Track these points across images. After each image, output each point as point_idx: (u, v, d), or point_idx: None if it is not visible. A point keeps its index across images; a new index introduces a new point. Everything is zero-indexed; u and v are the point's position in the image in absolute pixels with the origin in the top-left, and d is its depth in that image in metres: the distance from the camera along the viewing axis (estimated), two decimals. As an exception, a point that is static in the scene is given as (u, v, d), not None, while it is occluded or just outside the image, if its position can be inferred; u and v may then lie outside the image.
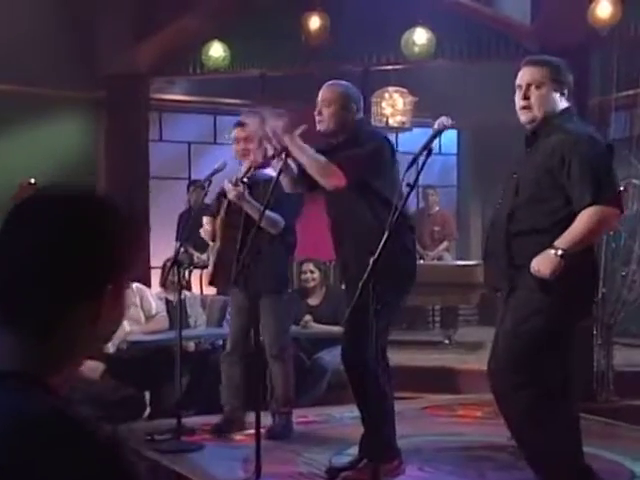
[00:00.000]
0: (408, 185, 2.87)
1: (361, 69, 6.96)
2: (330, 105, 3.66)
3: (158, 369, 5.34)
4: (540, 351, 2.95)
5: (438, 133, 2.96)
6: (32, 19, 6.80)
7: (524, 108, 3.05)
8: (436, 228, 8.53)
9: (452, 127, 3.01)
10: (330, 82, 3.75)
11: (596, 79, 6.23)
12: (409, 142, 8.24)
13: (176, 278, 4.20)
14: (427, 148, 2.89)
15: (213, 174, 4.40)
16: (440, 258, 8.43)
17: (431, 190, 8.72)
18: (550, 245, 2.85)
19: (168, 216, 7.71)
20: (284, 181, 3.74)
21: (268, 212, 3.91)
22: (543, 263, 2.84)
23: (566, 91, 3.07)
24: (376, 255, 2.79)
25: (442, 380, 6.02)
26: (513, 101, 7.76)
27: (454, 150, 9.94)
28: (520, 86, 3.09)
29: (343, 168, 3.50)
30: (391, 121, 7.84)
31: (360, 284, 2.76)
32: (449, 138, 9.55)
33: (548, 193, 2.94)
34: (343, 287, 4.01)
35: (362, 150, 3.57)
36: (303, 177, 3.67)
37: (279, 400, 4.39)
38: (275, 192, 3.71)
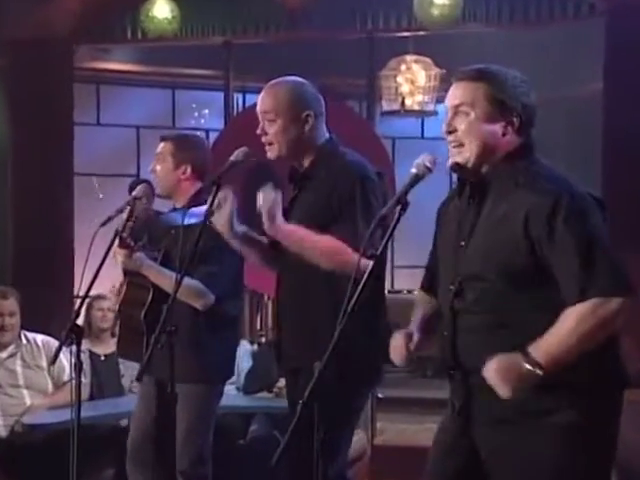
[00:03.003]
0: (372, 256, 2.61)
1: (364, 35, 6.71)
2: (276, 118, 3.40)
3: (68, 461, 5.08)
4: None
5: (416, 181, 2.66)
6: None
7: (453, 144, 2.72)
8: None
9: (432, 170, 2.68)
10: (272, 83, 3.49)
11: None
12: (435, 126, 8.01)
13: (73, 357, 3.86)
14: (400, 202, 2.62)
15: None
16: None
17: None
18: (521, 347, 2.55)
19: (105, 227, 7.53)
20: (247, 252, 3.54)
21: (188, 281, 3.62)
22: (506, 373, 2.55)
23: (516, 119, 2.70)
24: (323, 362, 2.57)
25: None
26: (569, 73, 7.32)
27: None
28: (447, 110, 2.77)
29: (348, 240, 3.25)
30: (409, 102, 7.65)
31: (300, 404, 2.56)
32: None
33: (529, 274, 2.64)
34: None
35: (362, 213, 3.30)
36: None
37: None
38: (204, 242, 3.40)
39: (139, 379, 3.51)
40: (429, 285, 2.99)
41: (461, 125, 2.71)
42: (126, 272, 4.20)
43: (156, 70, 8.28)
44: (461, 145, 2.70)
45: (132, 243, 3.98)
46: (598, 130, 6.19)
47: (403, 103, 7.65)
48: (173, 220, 4.16)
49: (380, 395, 6.61)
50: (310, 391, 2.54)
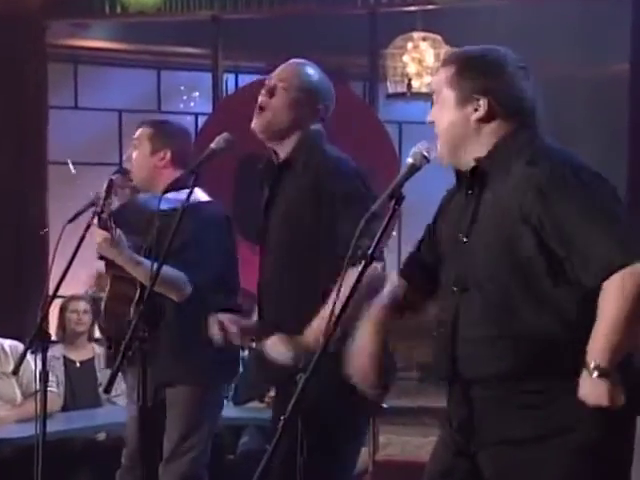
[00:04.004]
0: (363, 256, 2.58)
1: (365, 10, 6.66)
2: (289, 89, 3.41)
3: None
4: None
5: (413, 172, 2.61)
6: None
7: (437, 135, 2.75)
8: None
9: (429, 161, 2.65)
10: (300, 61, 3.51)
11: None
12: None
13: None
14: (394, 196, 2.56)
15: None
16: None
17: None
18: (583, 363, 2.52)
19: (84, 220, 7.55)
20: None
21: (163, 269, 3.55)
22: (591, 396, 2.52)
23: (483, 103, 2.66)
24: (308, 372, 2.48)
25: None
26: (592, 51, 7.28)
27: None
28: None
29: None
30: (416, 84, 7.61)
31: (280, 423, 2.48)
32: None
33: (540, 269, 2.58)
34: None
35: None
36: None
37: None
38: (184, 229, 3.42)
39: (107, 391, 3.49)
40: (409, 272, 2.95)
41: (435, 115, 2.74)
42: (108, 264, 4.14)
43: (139, 48, 8.30)
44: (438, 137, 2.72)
45: (112, 224, 3.92)
46: (624, 113, 6.12)
47: (410, 85, 7.60)
48: (154, 205, 4.13)
49: (384, 405, 6.58)
50: (293, 405, 2.47)
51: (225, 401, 6.01)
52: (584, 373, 2.52)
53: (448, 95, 2.70)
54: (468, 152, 2.70)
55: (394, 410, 6.75)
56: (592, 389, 2.50)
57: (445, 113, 2.71)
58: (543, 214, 2.55)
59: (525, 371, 2.60)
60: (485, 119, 2.69)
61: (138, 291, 4.03)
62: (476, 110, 2.68)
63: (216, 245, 3.99)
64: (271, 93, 3.42)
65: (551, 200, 2.55)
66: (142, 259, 3.98)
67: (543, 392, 2.59)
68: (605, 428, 2.58)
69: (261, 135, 3.45)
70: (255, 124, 3.43)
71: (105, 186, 3.90)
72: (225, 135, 3.41)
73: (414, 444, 6.74)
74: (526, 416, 2.61)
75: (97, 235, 3.94)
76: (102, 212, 3.86)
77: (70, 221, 3.89)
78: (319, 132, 3.47)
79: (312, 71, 3.48)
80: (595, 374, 2.49)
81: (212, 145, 3.42)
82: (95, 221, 3.91)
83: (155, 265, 3.40)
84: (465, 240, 2.71)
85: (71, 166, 6.20)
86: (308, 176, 3.34)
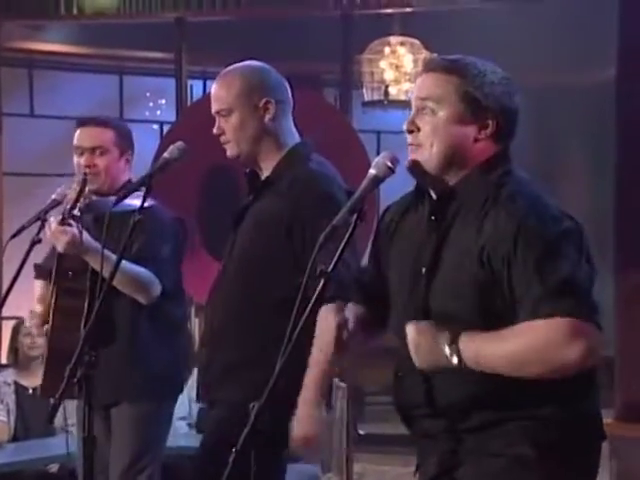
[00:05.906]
0: (322, 273, 2.52)
1: (339, 12, 6.64)
2: (230, 113, 3.37)
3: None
4: None
5: (375, 183, 2.58)
6: None
7: (412, 147, 2.64)
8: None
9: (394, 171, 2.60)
10: (223, 72, 3.45)
11: None
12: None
13: None
14: (355, 210, 2.53)
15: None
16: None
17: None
18: (452, 333, 2.50)
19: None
20: None
21: (131, 266, 3.67)
22: (424, 345, 2.52)
23: (492, 123, 2.62)
24: (262, 400, 2.46)
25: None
26: (580, 56, 7.24)
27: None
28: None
29: None
30: (394, 91, 7.60)
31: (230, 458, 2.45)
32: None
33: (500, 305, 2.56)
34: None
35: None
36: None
37: None
38: (143, 230, 3.47)
39: (50, 421, 3.43)
40: (364, 297, 2.90)
41: (425, 126, 2.62)
42: (58, 272, 4.08)
43: (99, 52, 8.25)
44: (420, 146, 2.62)
45: (77, 224, 3.89)
46: (610, 122, 6.12)
47: (387, 92, 7.62)
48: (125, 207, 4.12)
49: (361, 432, 6.54)
50: (245, 437, 2.44)
51: (187, 428, 6.01)
52: (446, 331, 2.50)
53: (457, 107, 2.60)
54: (458, 171, 2.62)
55: (370, 437, 6.73)
56: (432, 343, 2.49)
57: (447, 125, 2.60)
58: (506, 269, 2.51)
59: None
60: (484, 138, 2.62)
61: (87, 304, 3.98)
62: (483, 127, 2.61)
63: (172, 251, 4.04)
64: (220, 128, 3.41)
65: (515, 256, 2.50)
66: (112, 255, 3.71)
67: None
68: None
69: (243, 159, 3.43)
70: (229, 155, 3.42)
71: (80, 181, 3.93)
72: (179, 144, 3.38)
73: (393, 474, 6.70)
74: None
75: (60, 233, 3.87)
76: (73, 209, 3.83)
77: (13, 236, 3.86)
78: (304, 146, 3.44)
79: (233, 78, 3.42)
80: (447, 350, 2.47)
81: (165, 154, 3.39)
82: (52, 223, 3.87)
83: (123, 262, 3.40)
84: (424, 272, 2.66)
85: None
86: (285, 195, 3.30)
